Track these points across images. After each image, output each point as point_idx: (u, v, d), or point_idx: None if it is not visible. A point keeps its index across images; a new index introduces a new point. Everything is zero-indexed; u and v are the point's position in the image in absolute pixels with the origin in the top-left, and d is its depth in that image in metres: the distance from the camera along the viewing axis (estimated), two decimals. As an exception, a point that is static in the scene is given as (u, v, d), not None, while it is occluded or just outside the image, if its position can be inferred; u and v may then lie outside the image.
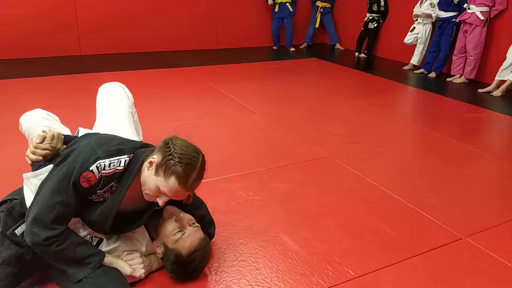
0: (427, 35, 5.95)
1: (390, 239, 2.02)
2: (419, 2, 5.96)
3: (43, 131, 1.64)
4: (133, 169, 1.51)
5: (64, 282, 1.56)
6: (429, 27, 5.93)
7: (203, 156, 1.50)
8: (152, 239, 1.71)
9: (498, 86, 4.87)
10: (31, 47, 5.77)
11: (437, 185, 2.61)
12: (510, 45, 4.75)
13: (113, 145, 1.52)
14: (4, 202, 1.63)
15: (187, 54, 6.53)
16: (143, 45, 6.49)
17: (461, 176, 2.80)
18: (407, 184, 2.60)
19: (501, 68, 4.80)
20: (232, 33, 7.22)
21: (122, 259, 1.63)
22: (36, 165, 1.60)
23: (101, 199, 1.53)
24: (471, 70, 5.29)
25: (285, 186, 2.51)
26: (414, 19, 6.03)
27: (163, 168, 1.43)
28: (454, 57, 5.50)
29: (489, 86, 4.95)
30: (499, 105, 4.49)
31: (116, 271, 1.56)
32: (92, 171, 1.44)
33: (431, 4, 5.76)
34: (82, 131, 1.80)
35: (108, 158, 1.46)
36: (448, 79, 5.49)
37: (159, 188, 1.45)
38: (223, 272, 1.74)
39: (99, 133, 1.69)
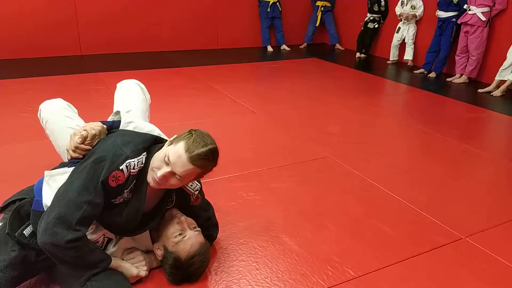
0: (411, 35, 6.16)
1: (390, 239, 2.02)
2: (400, 2, 6.19)
3: (85, 129, 1.58)
4: (150, 164, 1.52)
5: (67, 284, 1.55)
6: (413, 26, 6.13)
7: (217, 149, 1.52)
8: (153, 240, 1.70)
9: (498, 86, 4.87)
10: (31, 47, 5.77)
11: (437, 185, 2.61)
12: (510, 45, 4.75)
13: (138, 142, 1.54)
14: (13, 202, 1.59)
15: (187, 54, 6.53)
16: (143, 45, 6.49)
17: (461, 176, 2.80)
18: (407, 184, 2.60)
19: (501, 68, 4.81)
20: (232, 33, 7.22)
21: (123, 258, 1.63)
22: (74, 161, 1.57)
23: (122, 200, 1.52)
24: (473, 69, 5.30)
25: (285, 186, 2.51)
26: (399, 19, 6.23)
27: (177, 138, 1.49)
28: (456, 57, 5.49)
29: (489, 86, 4.95)
30: (499, 105, 4.49)
31: (120, 273, 1.56)
32: (122, 170, 1.45)
33: (411, 6, 6.04)
34: (123, 115, 1.80)
35: (136, 157, 1.48)
36: (448, 79, 5.49)
37: (164, 156, 1.45)
38: (223, 272, 1.74)
39: (122, 130, 1.69)
